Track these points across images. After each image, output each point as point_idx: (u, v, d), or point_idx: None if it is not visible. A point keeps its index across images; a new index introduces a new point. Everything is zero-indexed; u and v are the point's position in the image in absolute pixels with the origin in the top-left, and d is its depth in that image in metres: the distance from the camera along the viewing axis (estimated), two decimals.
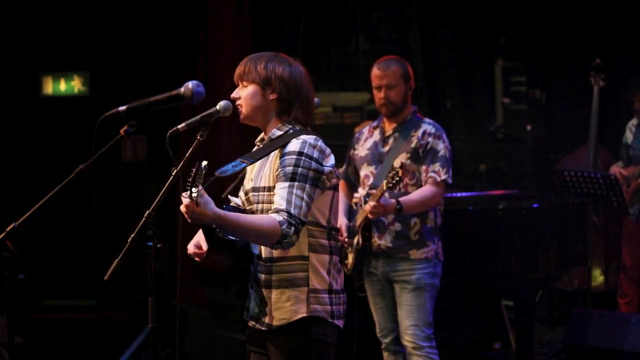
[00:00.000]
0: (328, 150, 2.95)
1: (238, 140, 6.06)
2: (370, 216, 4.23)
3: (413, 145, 4.36)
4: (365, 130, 4.62)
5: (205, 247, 2.97)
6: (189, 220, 2.69)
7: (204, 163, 2.56)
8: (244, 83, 2.98)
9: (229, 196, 2.99)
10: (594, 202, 5.49)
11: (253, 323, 2.98)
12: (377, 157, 4.45)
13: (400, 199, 4.20)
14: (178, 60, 6.37)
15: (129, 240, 2.58)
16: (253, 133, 3.11)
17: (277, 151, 2.92)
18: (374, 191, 4.22)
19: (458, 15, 8.02)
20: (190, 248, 3.02)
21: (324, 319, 2.94)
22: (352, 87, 7.56)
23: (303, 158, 2.86)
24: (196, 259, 3.02)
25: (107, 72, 6.77)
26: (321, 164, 2.89)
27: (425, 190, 4.30)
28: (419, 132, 4.37)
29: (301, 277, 2.92)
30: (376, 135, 4.52)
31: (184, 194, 2.63)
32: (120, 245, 2.58)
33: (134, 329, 5.54)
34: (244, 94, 2.97)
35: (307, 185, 2.85)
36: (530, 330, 5.37)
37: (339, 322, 2.99)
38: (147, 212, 2.62)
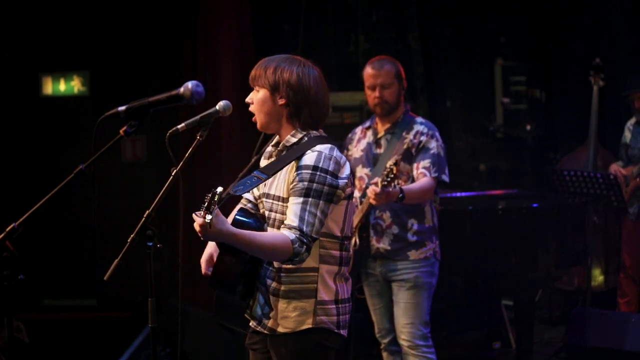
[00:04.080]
0: (343, 160, 2.91)
1: (238, 140, 6.06)
2: (373, 202, 4.14)
3: (405, 147, 4.34)
4: (358, 130, 4.61)
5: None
6: (202, 238, 2.72)
7: (219, 189, 2.58)
8: (256, 88, 2.98)
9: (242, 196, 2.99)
10: (593, 201, 5.49)
11: (255, 324, 2.99)
12: (371, 159, 4.45)
13: (403, 187, 4.17)
14: (177, 61, 6.37)
15: (128, 241, 2.58)
16: (253, 133, 3.11)
17: (293, 162, 2.90)
18: (374, 187, 4.16)
19: (458, 15, 8.02)
20: (204, 267, 3.02)
21: (329, 330, 2.93)
22: (352, 86, 7.55)
23: (318, 173, 2.83)
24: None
25: (107, 72, 6.75)
26: (336, 177, 2.86)
27: (422, 181, 4.28)
28: (411, 134, 4.36)
29: (310, 289, 2.91)
30: (369, 136, 4.51)
31: (196, 213, 2.65)
32: (120, 245, 2.58)
33: (134, 329, 5.53)
34: (256, 99, 2.96)
35: (321, 202, 2.83)
36: (530, 329, 5.37)
37: (344, 332, 2.98)
38: (147, 212, 2.61)
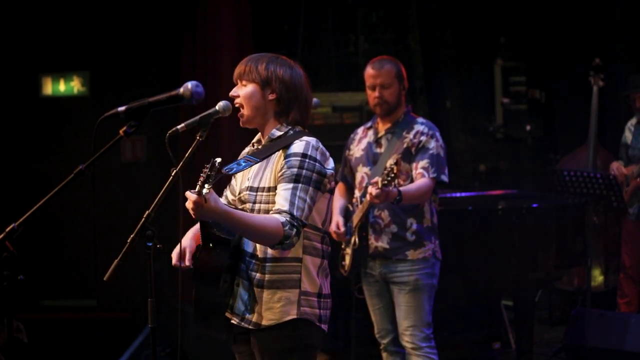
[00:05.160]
0: (328, 154, 2.97)
1: (238, 140, 6.05)
2: (369, 197, 4.09)
3: (405, 146, 4.34)
4: (360, 130, 4.61)
5: (189, 257, 2.96)
6: (194, 217, 2.69)
7: (219, 160, 2.56)
8: (244, 82, 2.98)
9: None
10: (593, 201, 5.49)
11: (237, 321, 2.97)
12: (371, 158, 4.45)
13: (401, 188, 4.17)
14: (177, 60, 6.37)
15: (128, 241, 2.58)
16: (253, 133, 3.11)
17: (279, 152, 2.92)
18: (370, 189, 4.14)
19: (458, 15, 8.03)
20: (176, 259, 2.98)
21: (311, 322, 2.95)
22: (352, 87, 7.56)
23: (307, 160, 2.88)
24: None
25: (107, 72, 6.76)
26: (323, 166, 2.91)
27: (420, 182, 4.27)
28: (411, 134, 4.36)
29: (294, 279, 2.93)
30: (370, 135, 4.51)
31: (190, 191, 2.63)
32: (120, 246, 2.58)
33: (134, 329, 5.53)
34: (243, 92, 2.97)
35: (310, 188, 2.87)
36: (530, 330, 5.37)
37: (325, 327, 3.01)
38: (147, 212, 2.61)
